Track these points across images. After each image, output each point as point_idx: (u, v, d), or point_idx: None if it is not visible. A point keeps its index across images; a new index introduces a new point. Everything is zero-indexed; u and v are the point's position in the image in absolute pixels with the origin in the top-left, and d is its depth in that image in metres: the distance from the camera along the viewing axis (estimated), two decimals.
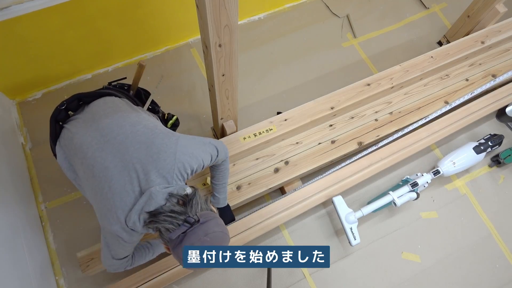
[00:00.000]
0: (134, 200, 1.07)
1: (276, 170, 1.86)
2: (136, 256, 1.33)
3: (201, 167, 1.23)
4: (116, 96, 1.37)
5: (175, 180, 1.12)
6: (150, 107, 1.59)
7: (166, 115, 1.69)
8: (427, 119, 1.40)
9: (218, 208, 1.64)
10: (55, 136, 1.31)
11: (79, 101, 1.34)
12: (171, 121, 1.72)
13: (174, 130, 1.80)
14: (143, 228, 1.08)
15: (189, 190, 1.10)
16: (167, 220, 1.02)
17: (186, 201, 1.06)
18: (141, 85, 2.05)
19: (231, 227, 1.74)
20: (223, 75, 1.40)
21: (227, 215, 1.68)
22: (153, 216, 1.04)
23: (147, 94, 1.65)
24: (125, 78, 1.60)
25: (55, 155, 1.32)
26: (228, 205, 1.67)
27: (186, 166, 1.16)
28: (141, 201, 1.06)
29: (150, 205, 1.05)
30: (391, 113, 2.06)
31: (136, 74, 1.51)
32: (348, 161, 1.59)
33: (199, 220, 1.01)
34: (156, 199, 1.05)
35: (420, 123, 1.41)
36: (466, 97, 1.29)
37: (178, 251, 1.00)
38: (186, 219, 1.01)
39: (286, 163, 1.88)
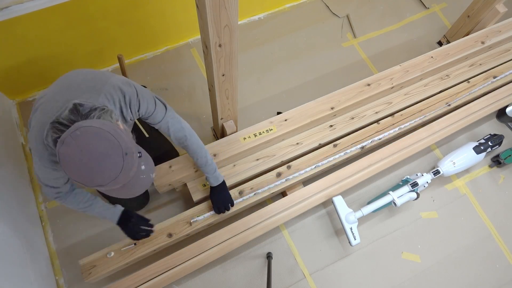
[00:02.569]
0: (53, 115, 1.01)
1: (278, 175, 1.86)
2: (70, 197, 1.30)
3: (136, 102, 1.18)
4: None
5: (100, 99, 1.08)
6: None
7: None
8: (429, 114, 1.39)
9: (214, 188, 1.62)
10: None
11: None
12: None
13: None
14: (53, 146, 1.01)
15: (102, 106, 1.03)
16: (58, 127, 0.97)
17: (85, 111, 0.99)
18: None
19: (231, 227, 1.74)
20: (223, 75, 1.40)
21: (223, 195, 1.65)
22: (55, 125, 0.98)
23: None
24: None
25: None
26: (224, 183, 1.64)
27: (117, 88, 1.12)
28: (59, 113, 0.99)
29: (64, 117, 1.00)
30: (392, 116, 2.06)
31: (120, 67, 1.55)
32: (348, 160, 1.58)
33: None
34: (62, 115, 0.99)
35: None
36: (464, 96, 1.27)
37: (58, 157, 0.91)
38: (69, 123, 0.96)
39: (288, 167, 1.88)
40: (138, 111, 1.22)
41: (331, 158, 1.91)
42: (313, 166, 1.88)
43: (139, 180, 1.00)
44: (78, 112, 0.98)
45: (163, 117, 1.33)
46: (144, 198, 1.90)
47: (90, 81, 1.11)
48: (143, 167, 1.00)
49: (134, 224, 1.53)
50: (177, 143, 1.44)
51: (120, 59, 1.50)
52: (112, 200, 1.83)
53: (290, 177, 1.85)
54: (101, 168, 0.90)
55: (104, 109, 1.01)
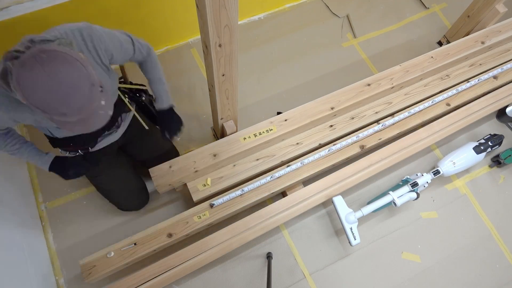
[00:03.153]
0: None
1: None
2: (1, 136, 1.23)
3: (98, 40, 1.13)
4: None
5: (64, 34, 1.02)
6: (138, 94, 1.60)
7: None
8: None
9: (165, 111, 1.51)
10: None
11: None
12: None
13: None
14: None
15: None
16: (6, 55, 0.88)
17: (42, 39, 0.92)
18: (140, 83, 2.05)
19: (231, 227, 1.74)
20: (223, 75, 1.40)
21: (176, 117, 1.54)
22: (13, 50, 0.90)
23: (144, 91, 1.67)
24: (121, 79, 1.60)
25: None
26: (172, 108, 1.54)
27: (72, 28, 1.06)
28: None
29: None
30: (393, 118, 2.05)
31: (120, 67, 1.54)
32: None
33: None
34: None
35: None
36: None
37: (14, 82, 0.84)
38: (28, 44, 0.89)
39: (288, 166, 1.88)
40: (104, 50, 1.16)
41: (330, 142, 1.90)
42: (316, 155, 1.88)
43: (97, 115, 0.97)
44: (33, 42, 0.91)
45: (133, 52, 1.29)
46: (144, 198, 1.91)
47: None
48: (103, 102, 0.97)
49: (67, 170, 1.44)
50: (140, 59, 1.39)
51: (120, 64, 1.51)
52: (113, 199, 1.83)
53: (294, 166, 1.85)
54: (69, 97, 0.87)
55: (63, 39, 0.95)
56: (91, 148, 1.49)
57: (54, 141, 1.40)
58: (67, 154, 1.49)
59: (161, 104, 1.50)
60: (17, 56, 0.88)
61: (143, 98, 1.68)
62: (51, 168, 1.41)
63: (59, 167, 1.42)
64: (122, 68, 1.54)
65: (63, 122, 0.94)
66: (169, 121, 1.54)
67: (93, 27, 1.14)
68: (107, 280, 1.76)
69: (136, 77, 2.30)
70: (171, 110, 1.53)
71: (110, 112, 1.02)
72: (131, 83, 1.63)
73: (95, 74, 0.94)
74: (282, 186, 1.84)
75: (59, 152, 1.47)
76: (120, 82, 1.56)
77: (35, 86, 0.84)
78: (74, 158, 1.46)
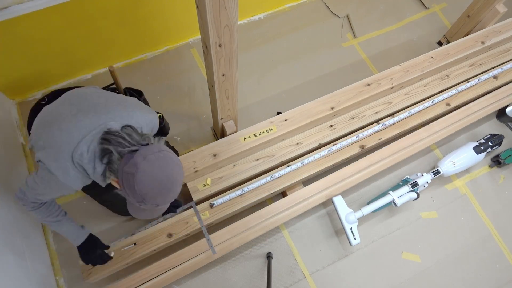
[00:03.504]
0: (84, 134, 1.04)
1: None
2: (43, 207, 1.27)
3: (153, 126, 1.26)
4: None
5: (133, 124, 1.11)
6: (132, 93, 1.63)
7: None
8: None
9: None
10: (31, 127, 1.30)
11: None
12: None
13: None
14: (90, 160, 1.04)
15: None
16: (121, 137, 1.00)
17: (141, 133, 1.06)
18: (140, 85, 2.06)
19: (231, 227, 1.74)
20: (223, 75, 1.40)
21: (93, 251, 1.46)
22: (106, 137, 1.01)
23: (139, 94, 1.67)
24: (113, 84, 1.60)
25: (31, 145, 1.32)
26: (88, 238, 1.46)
27: (143, 116, 1.17)
28: (94, 132, 1.03)
29: (102, 136, 1.03)
30: (393, 118, 2.05)
31: (113, 78, 1.53)
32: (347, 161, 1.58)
33: (151, 144, 1.01)
34: (112, 129, 1.04)
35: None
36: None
37: (129, 167, 0.94)
38: (139, 141, 1.01)
39: (288, 166, 1.88)
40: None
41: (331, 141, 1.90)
42: (316, 155, 1.88)
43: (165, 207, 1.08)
44: (135, 130, 1.05)
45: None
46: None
47: (117, 105, 1.14)
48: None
49: (97, 251, 1.45)
50: None
51: (112, 72, 1.48)
52: (108, 206, 1.82)
53: (294, 166, 1.85)
54: (172, 190, 1.00)
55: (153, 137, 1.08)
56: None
57: None
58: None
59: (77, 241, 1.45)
60: (126, 146, 1.00)
61: None
62: (80, 246, 1.41)
63: (86, 248, 1.42)
64: (112, 74, 1.53)
65: (137, 207, 1.05)
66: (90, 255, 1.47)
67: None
68: (107, 280, 1.76)
69: (136, 78, 2.30)
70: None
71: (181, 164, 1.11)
72: (125, 90, 1.63)
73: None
74: (282, 186, 1.84)
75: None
76: (114, 90, 1.57)
77: (149, 176, 0.95)
78: (101, 246, 1.47)
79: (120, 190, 1.03)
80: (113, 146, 0.99)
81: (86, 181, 1.13)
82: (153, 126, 1.24)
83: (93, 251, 1.43)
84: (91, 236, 1.45)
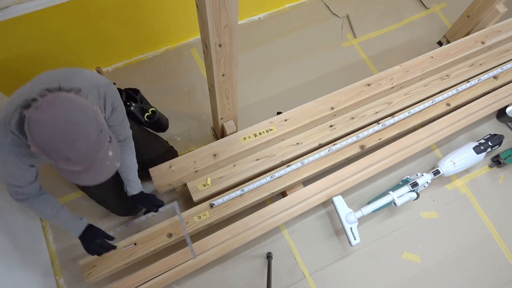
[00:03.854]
0: (20, 101, 0.96)
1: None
2: (36, 202, 1.27)
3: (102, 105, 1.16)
4: None
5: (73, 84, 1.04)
6: (128, 103, 1.64)
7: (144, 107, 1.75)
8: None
9: (135, 197, 1.55)
10: None
11: None
12: (147, 113, 1.78)
13: (150, 122, 1.85)
14: (19, 128, 0.97)
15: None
16: (24, 105, 0.92)
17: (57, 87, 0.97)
18: (140, 85, 2.07)
19: (231, 227, 1.74)
20: (223, 75, 1.40)
21: (145, 201, 1.57)
22: (24, 104, 0.93)
23: (135, 92, 1.68)
24: (115, 84, 1.60)
25: None
26: (142, 192, 1.56)
27: (93, 83, 1.10)
28: (28, 97, 0.93)
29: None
30: (393, 118, 2.05)
31: None
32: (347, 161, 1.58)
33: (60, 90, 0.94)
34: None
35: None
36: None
37: (26, 123, 0.86)
38: (41, 93, 0.91)
39: (288, 166, 1.88)
40: (105, 109, 1.18)
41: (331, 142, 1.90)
42: (316, 155, 1.88)
43: (103, 166, 0.97)
44: (49, 91, 0.94)
45: (123, 123, 1.33)
46: (133, 207, 1.86)
47: (61, 73, 1.08)
48: (110, 153, 0.98)
49: (96, 241, 1.47)
50: (122, 137, 1.42)
51: (99, 72, 1.50)
52: (107, 206, 1.81)
53: (294, 166, 1.85)
54: (73, 139, 0.86)
55: (80, 91, 0.98)
56: None
57: None
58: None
59: (131, 191, 1.54)
60: (31, 104, 0.89)
61: (132, 109, 1.74)
62: (81, 237, 1.44)
63: (87, 239, 1.44)
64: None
65: (68, 172, 0.93)
66: (144, 204, 1.59)
67: (112, 87, 1.18)
68: (107, 280, 1.76)
69: (136, 78, 2.30)
70: (142, 194, 1.57)
71: (117, 164, 1.02)
72: (123, 91, 1.64)
73: (105, 123, 0.95)
74: (282, 186, 1.84)
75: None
76: None
77: (41, 125, 0.85)
78: (102, 235, 1.50)
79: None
80: (22, 112, 0.91)
81: (27, 154, 1.06)
82: (103, 93, 1.12)
83: (92, 241, 1.44)
84: (90, 227, 1.45)
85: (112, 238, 1.54)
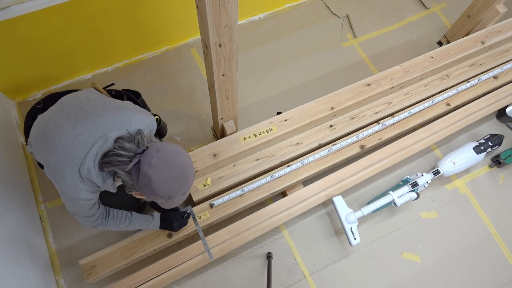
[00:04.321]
0: (87, 149, 1.06)
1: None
2: (110, 220, 1.36)
3: (151, 129, 1.27)
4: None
5: (132, 131, 1.13)
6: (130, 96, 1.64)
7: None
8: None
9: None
10: (28, 132, 1.31)
11: (55, 101, 1.35)
12: None
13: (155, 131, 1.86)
14: (98, 174, 1.08)
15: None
16: (118, 160, 1.03)
17: (131, 138, 1.08)
18: (140, 85, 2.06)
19: (231, 227, 1.74)
20: (223, 75, 1.40)
21: (173, 215, 1.63)
22: (105, 157, 1.05)
23: (136, 96, 1.68)
24: (113, 84, 1.60)
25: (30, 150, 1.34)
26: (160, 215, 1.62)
27: (142, 121, 1.19)
28: (96, 146, 1.05)
29: (105, 149, 1.06)
30: (393, 118, 2.05)
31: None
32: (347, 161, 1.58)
33: (147, 148, 1.03)
34: (111, 142, 1.07)
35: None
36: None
37: (143, 180, 1.00)
38: (135, 152, 1.03)
39: (288, 166, 1.88)
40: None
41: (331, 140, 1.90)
42: (316, 155, 1.88)
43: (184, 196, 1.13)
44: (125, 139, 1.07)
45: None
46: (139, 205, 1.88)
47: (115, 114, 1.15)
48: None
49: (174, 224, 1.61)
50: None
51: (94, 87, 1.50)
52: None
53: (294, 166, 1.86)
54: (187, 177, 1.07)
55: (143, 132, 1.12)
56: None
57: None
58: None
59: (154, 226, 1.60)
60: (112, 155, 1.04)
61: None
62: (162, 227, 1.59)
63: (167, 224, 1.60)
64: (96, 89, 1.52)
65: (173, 201, 1.10)
66: (169, 218, 1.63)
67: (155, 122, 1.30)
68: (107, 280, 1.76)
69: (136, 78, 2.30)
70: (163, 217, 1.62)
71: (184, 151, 1.15)
72: (122, 92, 1.63)
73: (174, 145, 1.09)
74: (282, 186, 1.84)
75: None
76: (111, 92, 1.57)
77: (164, 178, 1.01)
78: (175, 214, 1.63)
79: (148, 198, 1.09)
80: (116, 166, 1.04)
81: (97, 191, 1.18)
82: (152, 128, 1.26)
83: (172, 225, 1.60)
84: (164, 216, 1.60)
85: (184, 213, 1.66)
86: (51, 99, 1.34)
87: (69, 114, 1.13)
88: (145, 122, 1.21)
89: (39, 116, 1.23)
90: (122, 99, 1.57)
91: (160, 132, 1.89)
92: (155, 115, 1.78)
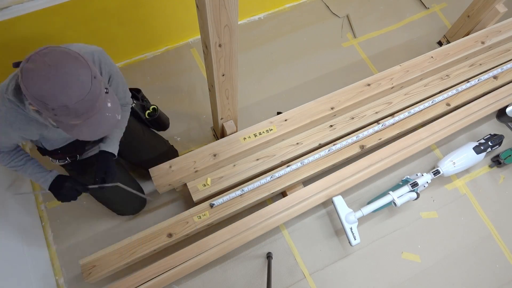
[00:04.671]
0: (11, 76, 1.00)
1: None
2: (6, 154, 1.25)
3: (107, 75, 1.20)
4: None
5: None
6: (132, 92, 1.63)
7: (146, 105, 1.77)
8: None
9: (102, 153, 1.41)
10: None
11: None
12: (148, 111, 1.78)
13: (151, 120, 1.85)
14: (16, 94, 0.99)
15: None
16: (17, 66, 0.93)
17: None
18: (140, 85, 2.07)
19: (231, 227, 1.74)
20: (223, 75, 1.40)
21: (106, 163, 1.41)
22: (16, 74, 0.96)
23: (137, 92, 1.69)
24: None
25: None
26: (113, 155, 1.43)
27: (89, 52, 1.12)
28: (17, 71, 0.97)
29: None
30: (394, 118, 2.05)
31: None
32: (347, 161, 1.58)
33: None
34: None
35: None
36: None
37: (21, 80, 0.89)
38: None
39: (288, 166, 1.88)
40: (107, 72, 1.20)
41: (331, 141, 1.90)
42: (316, 155, 1.88)
43: (104, 118, 0.98)
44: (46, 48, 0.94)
45: (123, 91, 1.34)
46: (140, 203, 1.88)
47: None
48: (109, 104, 0.98)
49: (65, 184, 1.37)
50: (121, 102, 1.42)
51: None
52: (109, 205, 1.82)
53: (294, 166, 1.86)
54: (68, 84, 0.88)
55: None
56: (79, 155, 1.51)
57: (44, 150, 1.41)
58: (56, 163, 1.51)
59: (104, 146, 1.43)
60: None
61: (133, 105, 1.74)
62: (51, 187, 1.37)
63: (55, 188, 1.37)
64: None
65: (70, 126, 0.94)
66: (98, 167, 1.42)
67: (105, 54, 1.18)
68: (107, 280, 1.76)
69: (136, 78, 2.30)
70: (107, 157, 1.43)
71: (118, 117, 1.02)
72: None
73: (98, 73, 0.95)
74: (282, 186, 1.84)
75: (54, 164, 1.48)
76: None
77: (35, 75, 0.87)
78: (72, 183, 1.39)
79: (37, 112, 0.97)
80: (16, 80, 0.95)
81: (22, 121, 1.06)
82: (94, 55, 1.14)
83: (62, 185, 1.35)
84: (60, 176, 1.38)
85: (85, 185, 1.40)
86: None
87: None
88: (84, 49, 1.11)
89: None
90: None
91: (159, 123, 1.89)
92: (152, 105, 1.79)
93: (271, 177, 1.83)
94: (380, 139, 2.00)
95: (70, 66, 0.89)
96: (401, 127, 2.05)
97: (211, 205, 1.75)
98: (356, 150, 1.96)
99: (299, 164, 1.87)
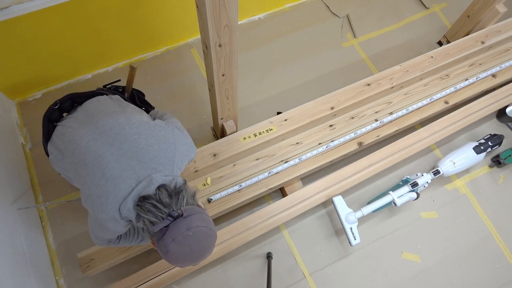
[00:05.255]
0: (131, 187, 1.06)
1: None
2: (122, 238, 1.33)
3: (190, 160, 1.25)
4: (109, 95, 1.38)
5: (175, 171, 1.13)
6: (143, 108, 1.60)
7: None
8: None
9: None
10: (47, 135, 1.31)
11: (73, 102, 1.35)
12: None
13: None
14: (135, 214, 1.07)
15: (180, 181, 1.10)
16: (151, 211, 1.01)
17: (173, 193, 1.05)
18: (140, 85, 2.06)
19: (231, 227, 1.74)
20: (223, 75, 1.40)
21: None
22: (143, 200, 1.03)
23: (142, 95, 1.67)
24: (119, 80, 1.60)
25: (47, 154, 1.32)
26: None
27: (184, 157, 1.18)
28: (140, 186, 1.05)
29: (146, 192, 1.05)
30: (392, 115, 2.05)
31: (128, 77, 1.53)
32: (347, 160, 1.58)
33: (182, 214, 1.00)
34: (154, 186, 1.05)
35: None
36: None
37: (161, 246, 0.99)
38: (169, 213, 1.00)
39: (286, 162, 1.88)
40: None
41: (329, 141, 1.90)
42: (315, 151, 1.88)
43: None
44: (167, 192, 1.05)
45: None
46: None
47: (158, 150, 1.13)
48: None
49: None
50: None
51: (132, 69, 1.46)
52: None
53: (292, 162, 1.86)
54: (200, 259, 1.04)
55: (186, 189, 1.09)
56: None
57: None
58: None
59: None
60: (145, 200, 1.03)
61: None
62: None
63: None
64: (132, 72, 1.52)
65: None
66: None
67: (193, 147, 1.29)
68: (107, 280, 1.76)
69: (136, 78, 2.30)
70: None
71: (213, 231, 1.12)
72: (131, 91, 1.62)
73: (207, 222, 1.05)
74: (280, 182, 1.84)
75: None
76: (118, 88, 1.57)
77: (179, 256, 0.99)
78: None
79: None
80: (145, 214, 1.02)
81: (129, 225, 1.18)
82: (190, 158, 1.26)
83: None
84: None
85: None
86: (68, 99, 1.33)
87: (111, 143, 1.11)
88: (187, 158, 1.21)
89: (66, 127, 1.22)
90: (133, 98, 1.59)
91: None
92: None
93: (269, 172, 1.83)
94: (378, 136, 2.00)
95: (207, 245, 1.02)
96: (399, 125, 2.05)
97: (209, 200, 1.75)
98: (354, 147, 1.96)
99: (297, 160, 1.87)
